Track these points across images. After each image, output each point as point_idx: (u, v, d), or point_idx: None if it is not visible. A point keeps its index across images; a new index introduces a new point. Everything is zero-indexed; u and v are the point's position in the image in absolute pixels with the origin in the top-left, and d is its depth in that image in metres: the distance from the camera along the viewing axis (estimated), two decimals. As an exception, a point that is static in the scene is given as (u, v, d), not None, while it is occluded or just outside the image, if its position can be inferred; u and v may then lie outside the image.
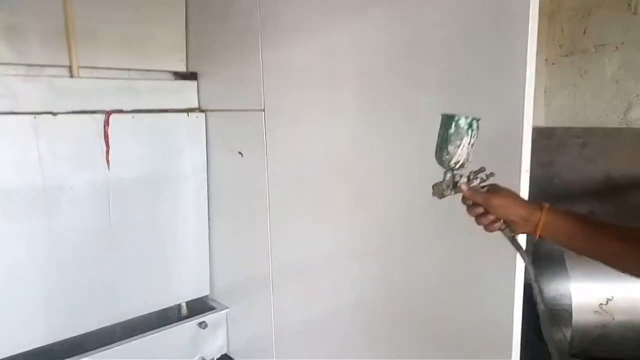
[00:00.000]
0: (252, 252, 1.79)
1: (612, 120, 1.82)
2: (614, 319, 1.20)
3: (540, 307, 0.81)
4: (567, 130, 1.80)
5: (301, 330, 1.64)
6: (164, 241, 1.90)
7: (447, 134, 0.79)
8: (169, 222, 1.90)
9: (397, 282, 1.26)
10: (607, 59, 1.84)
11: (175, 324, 1.86)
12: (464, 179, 0.82)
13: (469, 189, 0.81)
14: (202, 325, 1.90)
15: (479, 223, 0.82)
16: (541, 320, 0.82)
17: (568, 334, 1.23)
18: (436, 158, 0.82)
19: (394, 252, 1.27)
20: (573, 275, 1.22)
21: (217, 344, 1.98)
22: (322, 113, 1.44)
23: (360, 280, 1.39)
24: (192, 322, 1.89)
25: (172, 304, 1.98)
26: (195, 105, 1.93)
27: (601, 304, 1.20)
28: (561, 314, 1.22)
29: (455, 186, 0.83)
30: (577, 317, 1.20)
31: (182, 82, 1.91)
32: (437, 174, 0.84)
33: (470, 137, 0.79)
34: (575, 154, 1.71)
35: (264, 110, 1.64)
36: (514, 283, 0.98)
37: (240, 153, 1.79)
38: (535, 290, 0.81)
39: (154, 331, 1.79)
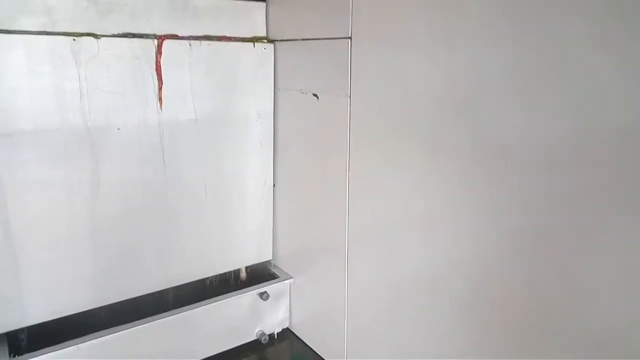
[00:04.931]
0: (325, 214, 1.49)
1: None
2: None
3: None
4: None
5: (379, 306, 1.34)
6: (226, 196, 1.62)
7: None
8: (231, 174, 1.61)
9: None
10: None
11: (235, 292, 1.61)
12: None
13: None
14: (264, 296, 1.64)
15: None
16: None
17: None
18: None
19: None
20: None
21: (278, 317, 1.73)
22: (434, 39, 1.07)
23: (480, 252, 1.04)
24: (253, 292, 1.64)
25: (232, 268, 1.73)
26: (262, 33, 1.58)
27: None
28: None
29: None
30: None
31: (248, 3, 1.55)
32: None
33: None
34: None
35: (350, 37, 1.28)
36: None
37: (315, 95, 1.45)
38: None
39: (212, 300, 1.55)
